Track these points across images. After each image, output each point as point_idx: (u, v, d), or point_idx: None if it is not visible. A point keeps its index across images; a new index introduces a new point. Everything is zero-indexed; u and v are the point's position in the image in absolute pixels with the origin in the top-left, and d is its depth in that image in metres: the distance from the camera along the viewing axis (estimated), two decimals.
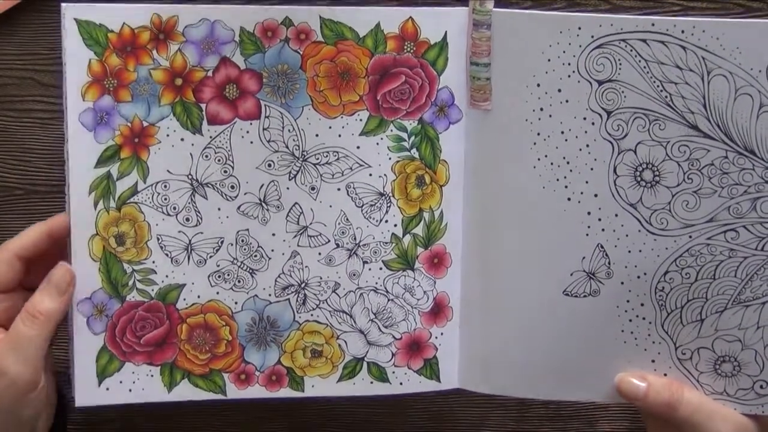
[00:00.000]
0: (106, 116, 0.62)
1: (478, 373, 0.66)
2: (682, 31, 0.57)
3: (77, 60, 0.61)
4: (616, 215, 0.61)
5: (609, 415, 0.78)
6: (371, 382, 0.66)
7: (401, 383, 0.66)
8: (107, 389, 0.64)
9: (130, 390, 0.64)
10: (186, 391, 0.65)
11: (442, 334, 0.66)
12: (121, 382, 0.64)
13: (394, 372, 0.66)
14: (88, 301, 0.63)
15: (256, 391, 0.66)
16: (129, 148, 0.62)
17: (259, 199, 0.64)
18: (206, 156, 0.63)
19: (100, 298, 0.63)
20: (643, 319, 0.62)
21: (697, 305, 0.62)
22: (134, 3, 0.61)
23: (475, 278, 0.65)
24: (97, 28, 0.61)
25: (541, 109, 0.61)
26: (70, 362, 0.64)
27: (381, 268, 0.65)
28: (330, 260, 0.65)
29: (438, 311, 0.66)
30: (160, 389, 0.65)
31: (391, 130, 0.64)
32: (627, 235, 0.61)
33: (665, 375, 0.63)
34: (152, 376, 0.64)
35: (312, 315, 0.65)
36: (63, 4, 0.61)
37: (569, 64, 0.60)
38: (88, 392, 0.64)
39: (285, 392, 0.66)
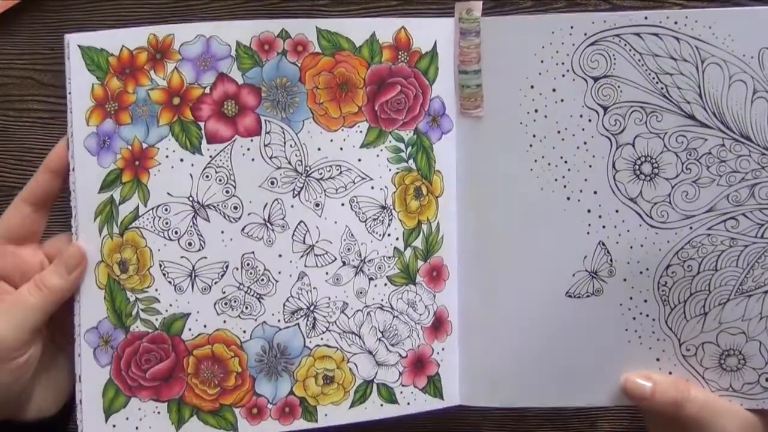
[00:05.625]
0: (108, 140, 0.60)
1: (480, 387, 0.65)
2: (675, 22, 0.58)
3: (81, 85, 0.61)
4: (617, 211, 0.61)
5: (609, 415, 0.77)
6: (381, 405, 0.64)
7: (408, 403, 0.65)
8: (114, 426, 0.61)
9: (136, 428, 0.61)
10: (195, 429, 0.62)
11: (443, 349, 0.65)
12: (127, 418, 0.61)
13: (401, 392, 0.64)
14: (94, 331, 0.61)
15: (269, 425, 0.63)
16: (130, 172, 0.61)
17: (264, 219, 0.62)
18: (207, 176, 0.61)
19: (105, 328, 0.61)
20: (647, 316, 0.62)
21: (700, 298, 0.62)
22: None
23: (473, 289, 0.64)
24: (98, 53, 0.61)
25: (536, 111, 0.61)
26: (77, 395, 0.61)
27: (386, 284, 0.64)
28: (337, 280, 0.63)
29: (438, 326, 0.65)
30: (168, 427, 0.62)
31: (390, 141, 0.63)
32: (628, 231, 0.61)
33: (670, 373, 0.63)
34: (159, 413, 0.62)
35: (322, 339, 0.63)
36: (66, 35, 0.61)
37: (563, 63, 0.60)
38: (95, 428, 0.61)
39: (298, 424, 0.63)
